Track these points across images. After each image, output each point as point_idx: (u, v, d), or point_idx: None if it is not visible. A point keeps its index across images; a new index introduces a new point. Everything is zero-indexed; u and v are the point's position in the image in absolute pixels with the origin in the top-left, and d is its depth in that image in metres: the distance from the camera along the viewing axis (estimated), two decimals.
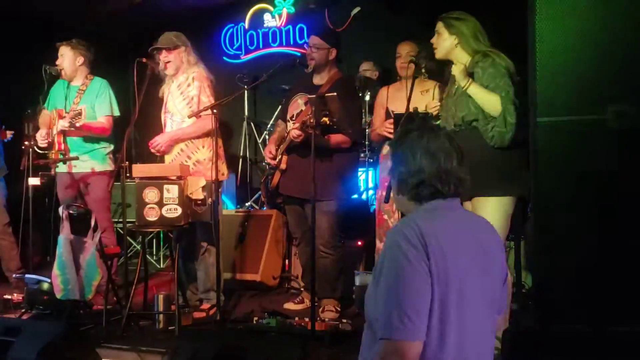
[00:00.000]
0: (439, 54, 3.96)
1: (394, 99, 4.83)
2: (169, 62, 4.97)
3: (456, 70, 3.82)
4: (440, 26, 3.93)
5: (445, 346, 2.03)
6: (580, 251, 3.03)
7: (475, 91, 3.73)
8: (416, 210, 2.22)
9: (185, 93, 4.94)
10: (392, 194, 2.34)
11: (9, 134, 6.12)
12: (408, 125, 2.32)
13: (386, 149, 4.82)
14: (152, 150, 5.02)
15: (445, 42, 3.90)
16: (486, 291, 2.14)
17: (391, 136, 4.39)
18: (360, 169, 5.62)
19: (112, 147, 5.56)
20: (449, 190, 2.18)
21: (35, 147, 5.36)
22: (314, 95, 4.40)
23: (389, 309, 2.00)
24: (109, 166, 5.49)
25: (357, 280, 4.95)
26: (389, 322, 1.99)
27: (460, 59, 3.88)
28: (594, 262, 3.00)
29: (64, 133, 5.30)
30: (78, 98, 5.45)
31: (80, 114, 5.24)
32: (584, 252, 3.02)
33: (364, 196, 6.30)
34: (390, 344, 1.99)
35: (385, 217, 4.85)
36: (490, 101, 3.68)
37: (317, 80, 4.97)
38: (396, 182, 2.26)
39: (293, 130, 4.73)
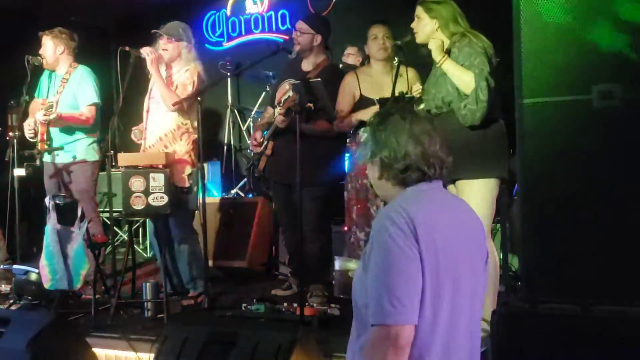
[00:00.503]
0: (420, 39, 3.93)
1: (364, 84, 4.74)
2: (165, 50, 4.90)
3: (433, 45, 3.80)
4: (420, 10, 3.91)
5: (437, 329, 2.00)
6: (567, 231, 3.06)
7: (449, 67, 3.72)
8: (400, 194, 2.17)
9: (174, 82, 4.90)
10: (371, 178, 2.26)
11: None
12: (388, 108, 2.27)
13: (364, 136, 4.78)
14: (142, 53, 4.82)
15: (426, 27, 3.88)
16: (473, 271, 2.13)
17: None
18: (347, 155, 5.62)
19: (96, 137, 5.50)
20: (435, 172, 2.14)
21: (27, 137, 5.32)
22: (299, 82, 4.40)
23: (379, 293, 1.95)
24: (92, 156, 5.44)
25: (337, 265, 5.02)
26: (379, 307, 1.95)
27: None
28: (581, 241, 3.02)
29: (47, 123, 5.26)
30: (61, 87, 5.40)
31: (51, 106, 5.21)
32: (571, 232, 3.04)
33: None
34: (382, 329, 1.95)
35: (369, 204, 4.82)
36: (463, 78, 3.67)
37: (305, 66, 4.96)
38: (379, 167, 2.18)
39: (278, 115, 4.74)
